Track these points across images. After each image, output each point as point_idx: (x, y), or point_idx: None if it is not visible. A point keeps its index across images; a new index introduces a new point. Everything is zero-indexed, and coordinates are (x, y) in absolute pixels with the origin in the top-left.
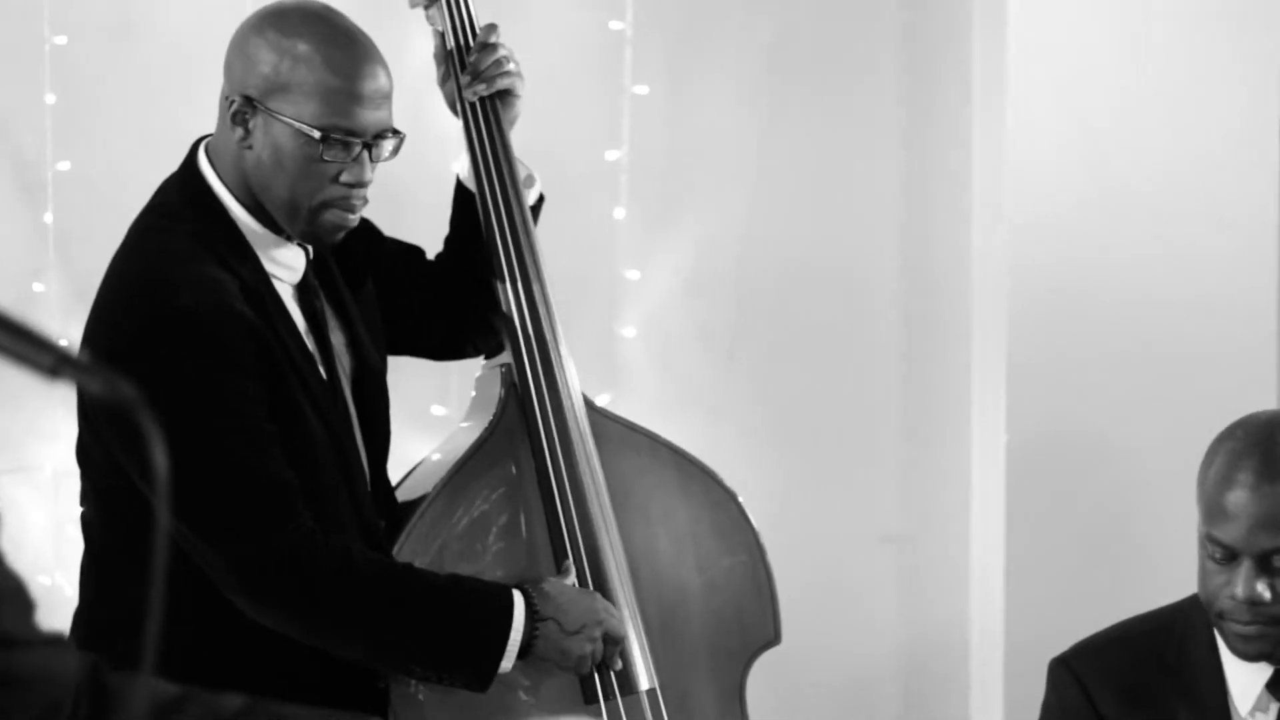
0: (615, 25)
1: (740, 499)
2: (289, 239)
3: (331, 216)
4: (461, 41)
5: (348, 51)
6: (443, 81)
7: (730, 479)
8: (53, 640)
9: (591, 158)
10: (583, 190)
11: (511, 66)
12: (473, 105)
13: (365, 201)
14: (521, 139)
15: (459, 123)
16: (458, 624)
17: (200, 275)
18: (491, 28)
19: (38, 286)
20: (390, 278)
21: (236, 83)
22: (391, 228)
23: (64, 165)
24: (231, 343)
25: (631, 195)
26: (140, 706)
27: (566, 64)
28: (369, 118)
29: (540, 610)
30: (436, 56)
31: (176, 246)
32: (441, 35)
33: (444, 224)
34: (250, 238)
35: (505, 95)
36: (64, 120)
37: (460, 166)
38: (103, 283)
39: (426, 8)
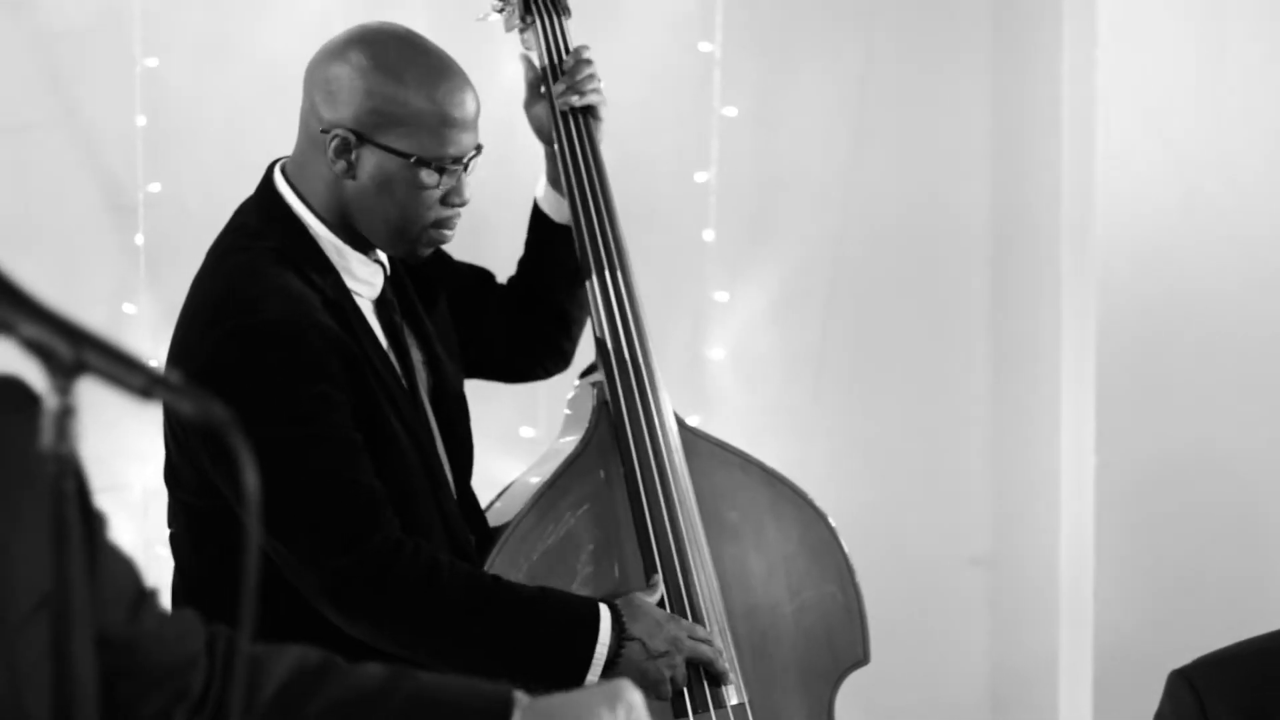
0: (704, 47)
1: (831, 520)
2: (368, 255)
3: (435, 235)
4: (555, 60)
5: (446, 81)
6: (529, 105)
7: (818, 500)
8: (173, 623)
9: (680, 179)
10: (672, 212)
11: (600, 84)
12: (565, 115)
13: (460, 217)
14: (610, 160)
15: (545, 147)
16: (544, 636)
17: (282, 288)
18: (584, 47)
19: (128, 308)
20: (461, 300)
21: (334, 115)
22: (475, 250)
23: (155, 187)
24: (316, 352)
25: (720, 217)
26: (280, 676)
27: (656, 86)
28: (467, 140)
29: (629, 628)
30: (528, 80)
31: (258, 263)
32: (532, 60)
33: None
34: (330, 254)
35: (593, 113)
36: (155, 142)
37: (539, 190)
38: (186, 302)
39: (522, 31)
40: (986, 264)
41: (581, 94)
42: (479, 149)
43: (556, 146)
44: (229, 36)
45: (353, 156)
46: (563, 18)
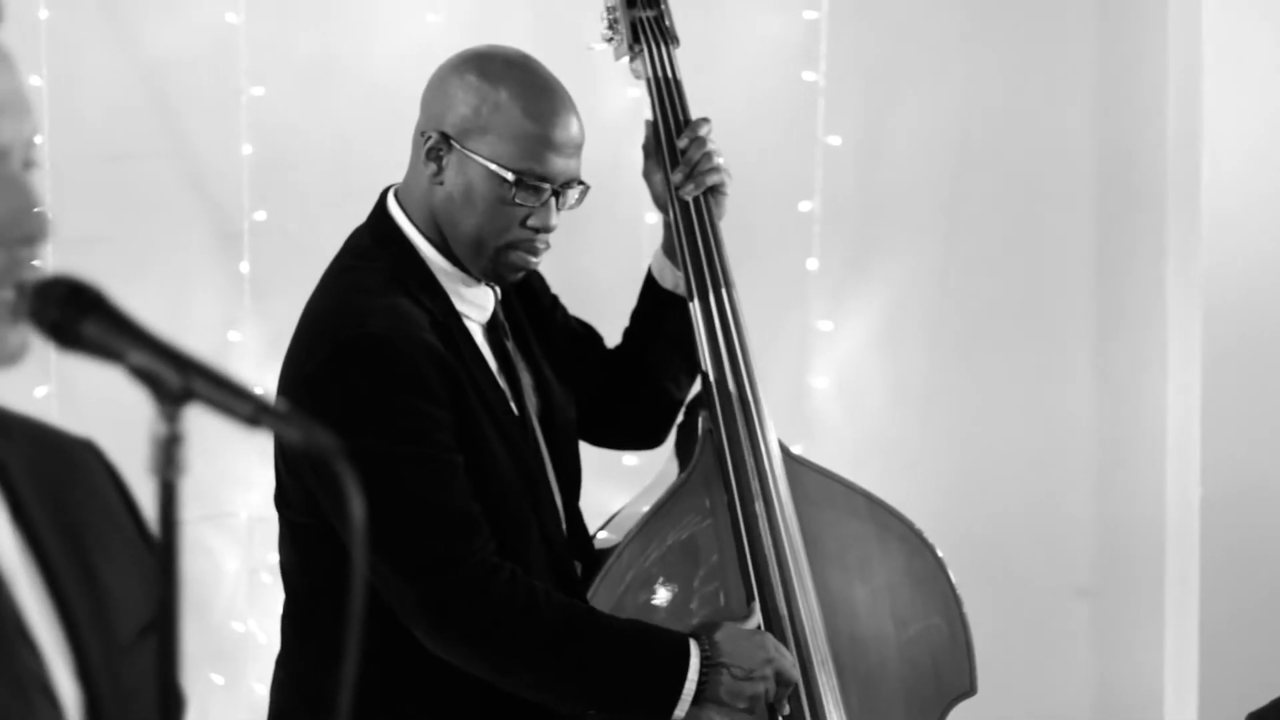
0: (808, 76)
1: (938, 550)
2: (479, 279)
3: (515, 258)
4: (671, 126)
5: (546, 99)
6: (648, 173)
7: (924, 530)
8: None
9: (784, 208)
10: (775, 241)
11: (720, 161)
12: (684, 204)
13: (548, 246)
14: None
15: (663, 215)
16: (634, 669)
17: (390, 306)
18: (703, 122)
19: (233, 335)
20: (567, 352)
21: (433, 119)
22: (568, 281)
23: (260, 215)
24: (420, 369)
25: (824, 246)
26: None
27: (759, 115)
28: (560, 165)
29: (711, 657)
30: (645, 148)
31: (368, 281)
32: (654, 126)
33: (627, 274)
34: (440, 276)
35: (715, 192)
36: (260, 170)
37: (654, 259)
38: (299, 319)
39: (631, 60)
40: (1092, 292)
41: (699, 183)
42: (580, 185)
43: (671, 224)
44: (333, 65)
45: (443, 161)
46: (671, 46)
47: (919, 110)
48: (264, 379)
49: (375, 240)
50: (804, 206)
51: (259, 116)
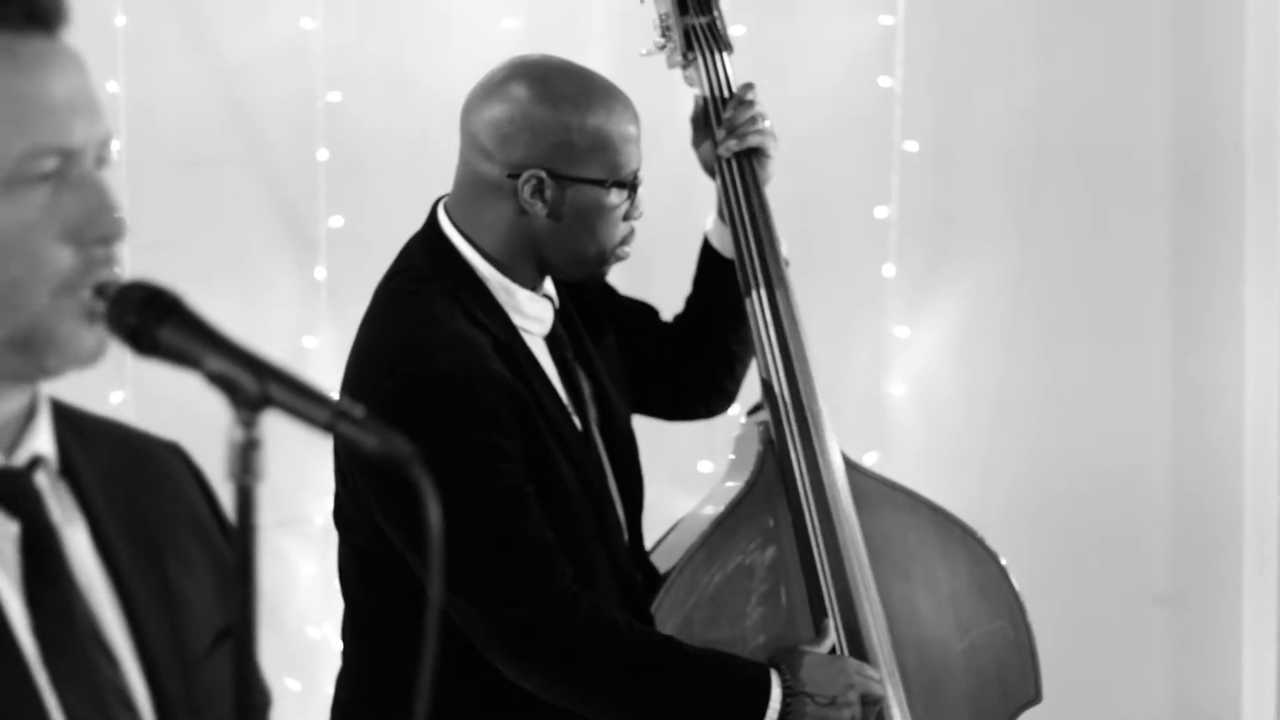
0: (884, 82)
1: (1001, 558)
2: (536, 291)
3: (620, 254)
4: (717, 97)
5: (610, 98)
6: (696, 143)
7: (999, 540)
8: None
9: (860, 214)
10: (851, 247)
11: (766, 125)
12: (728, 161)
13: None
14: (790, 195)
15: (715, 184)
16: (716, 700)
17: (455, 335)
18: (748, 86)
19: (309, 341)
20: (627, 335)
21: (518, 156)
22: (647, 285)
23: (336, 221)
24: (490, 403)
25: (900, 252)
26: None
27: (835, 121)
28: (637, 153)
29: (793, 687)
30: (694, 119)
31: (429, 308)
32: (700, 99)
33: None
34: (497, 294)
35: (759, 154)
36: (336, 176)
37: (708, 223)
38: (355, 348)
39: (684, 68)
40: (1168, 295)
41: (741, 138)
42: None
43: (719, 188)
44: (410, 70)
45: (547, 196)
46: (724, 54)
47: (995, 114)
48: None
49: (429, 260)
50: (880, 212)
51: (336, 122)
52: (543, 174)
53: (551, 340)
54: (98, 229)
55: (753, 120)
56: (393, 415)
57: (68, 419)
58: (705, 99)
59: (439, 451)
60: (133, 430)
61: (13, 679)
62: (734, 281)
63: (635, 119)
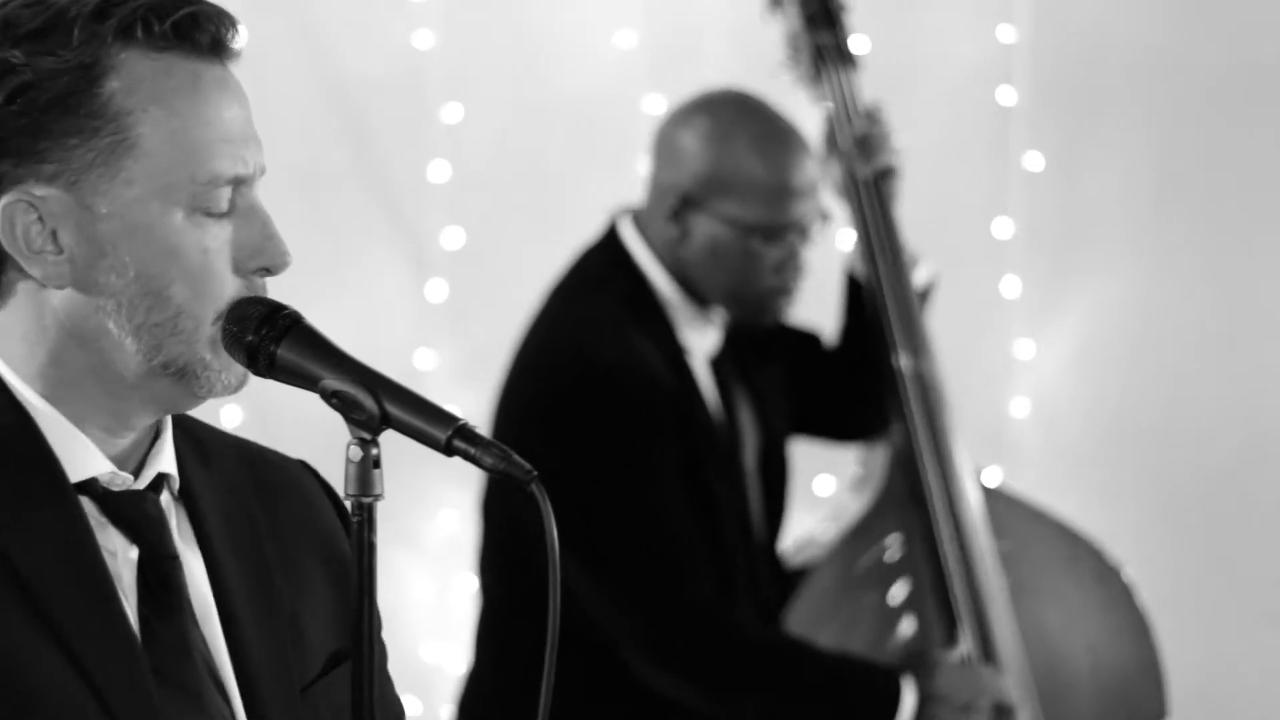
0: (1003, 97)
1: (1127, 573)
2: (706, 313)
3: (771, 305)
4: (846, 115)
5: (782, 145)
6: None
7: (1124, 558)
8: None
9: (979, 230)
10: (971, 264)
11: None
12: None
13: (799, 286)
14: (907, 210)
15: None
16: (848, 704)
17: (623, 339)
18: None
19: (426, 359)
20: (792, 363)
21: (671, 180)
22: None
23: (455, 238)
24: (652, 406)
25: (1022, 269)
26: None
27: (954, 136)
28: (803, 209)
29: (927, 692)
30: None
31: (600, 311)
32: (829, 122)
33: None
34: (669, 309)
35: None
36: (454, 192)
37: (847, 254)
38: (523, 345)
39: (812, 84)
40: None
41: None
42: (824, 218)
43: (851, 209)
44: (528, 85)
45: (688, 222)
46: (850, 70)
47: (1119, 130)
48: (457, 403)
49: (606, 266)
50: (1000, 229)
51: (453, 137)
52: (679, 198)
53: (715, 362)
54: (262, 259)
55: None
56: (554, 413)
57: (190, 435)
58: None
59: (598, 450)
60: (258, 447)
61: (143, 695)
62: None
63: (805, 173)
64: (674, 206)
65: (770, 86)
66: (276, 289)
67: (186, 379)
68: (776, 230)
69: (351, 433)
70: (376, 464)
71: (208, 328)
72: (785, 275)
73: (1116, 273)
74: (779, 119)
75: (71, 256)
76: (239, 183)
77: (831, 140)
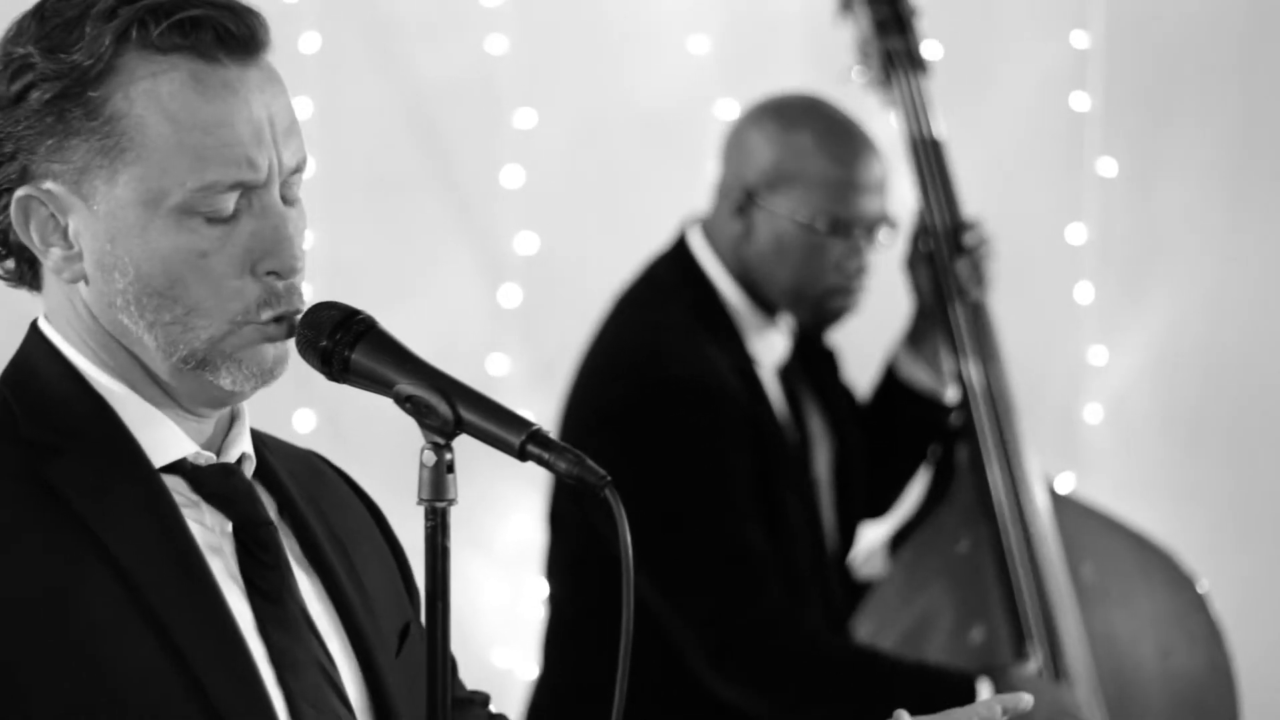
0: (1078, 103)
1: (1201, 583)
2: (775, 322)
3: (834, 303)
4: (916, 127)
5: (846, 141)
6: (913, 262)
7: (1197, 567)
8: None
9: (1052, 236)
10: (1045, 270)
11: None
12: (969, 301)
13: (864, 287)
14: (981, 216)
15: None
16: (925, 706)
17: (691, 347)
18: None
19: (499, 365)
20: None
21: (736, 176)
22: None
23: (529, 243)
24: (724, 415)
25: (1095, 275)
26: None
27: (1028, 143)
28: (867, 206)
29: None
30: (912, 234)
31: (668, 319)
32: (920, 234)
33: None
34: (737, 319)
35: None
36: (529, 198)
37: (898, 350)
38: (591, 351)
39: (882, 88)
40: None
41: (985, 287)
42: (889, 223)
43: (950, 317)
44: (602, 90)
45: (749, 218)
46: (921, 76)
47: (1193, 135)
48: (530, 408)
49: (674, 276)
50: (1074, 235)
51: (527, 143)
52: (742, 194)
53: (784, 372)
54: (271, 262)
55: (991, 258)
56: (626, 416)
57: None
58: (924, 233)
59: (668, 457)
60: (284, 441)
61: (239, 668)
62: (916, 410)
63: (870, 170)
64: (738, 202)
65: (842, 91)
66: (349, 294)
67: (209, 371)
68: (839, 225)
69: (425, 438)
70: (450, 469)
71: (223, 324)
72: (848, 273)
73: (1190, 278)
74: (846, 118)
75: (80, 252)
76: (246, 187)
77: (923, 235)
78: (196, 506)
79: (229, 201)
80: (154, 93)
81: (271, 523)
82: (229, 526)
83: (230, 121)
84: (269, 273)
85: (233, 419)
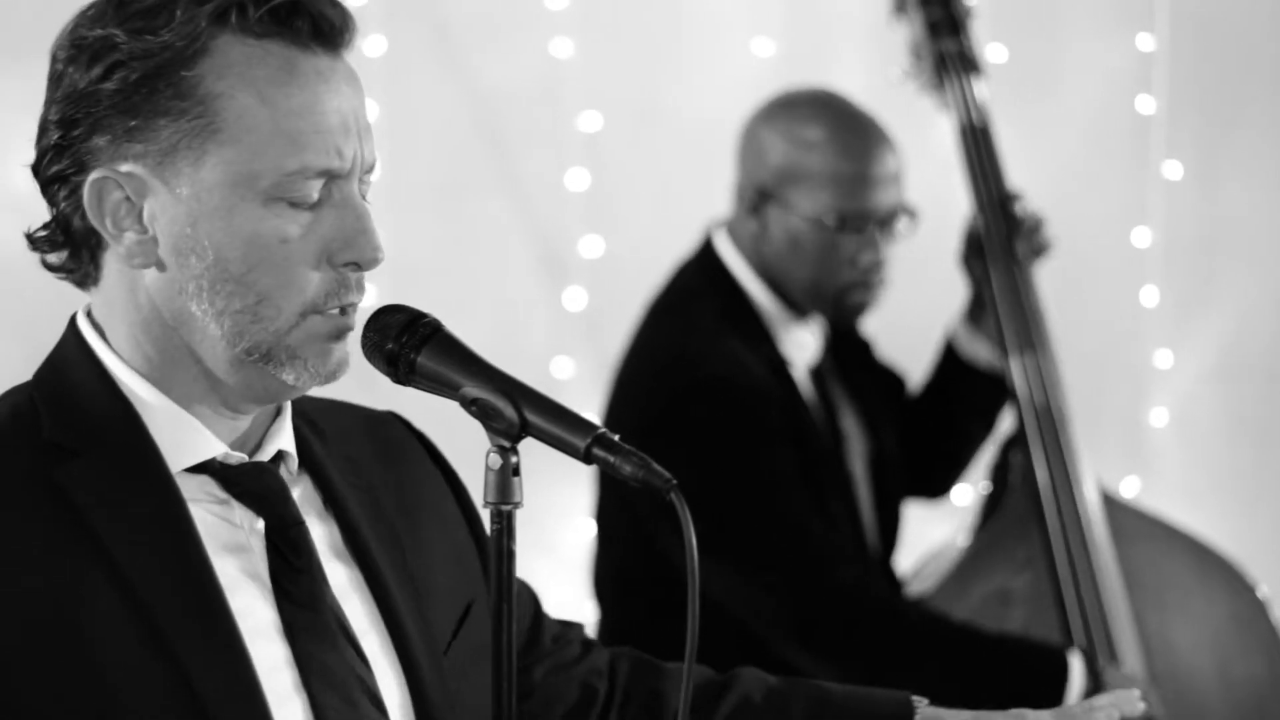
0: (1143, 105)
1: (1263, 589)
2: (805, 321)
3: (853, 299)
4: (968, 123)
5: (857, 135)
6: (968, 258)
7: (1263, 571)
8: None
9: (1118, 240)
10: (1110, 273)
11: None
12: (1021, 271)
13: (883, 281)
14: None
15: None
16: (1012, 676)
17: (724, 347)
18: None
19: (563, 368)
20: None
21: (749, 175)
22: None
23: (592, 246)
24: (761, 408)
25: (1161, 278)
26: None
27: (1093, 146)
28: (881, 199)
29: (1101, 676)
30: (969, 234)
31: (700, 322)
32: (976, 217)
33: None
34: (767, 319)
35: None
36: (593, 202)
37: (956, 327)
38: (626, 360)
39: (935, 90)
40: None
41: (1040, 251)
42: (908, 214)
43: (997, 293)
44: (665, 97)
45: (763, 216)
46: (974, 76)
47: (1260, 138)
48: (594, 411)
49: (702, 280)
50: (1139, 238)
51: (591, 148)
52: (756, 192)
53: (816, 371)
54: (352, 253)
55: (1043, 225)
56: (667, 420)
57: (301, 413)
58: (977, 226)
59: (720, 455)
60: (360, 408)
61: (239, 674)
62: (978, 386)
63: (882, 163)
64: (753, 201)
65: (896, 94)
66: (415, 297)
67: (273, 366)
68: (851, 218)
69: (491, 440)
70: (516, 471)
71: (291, 317)
72: (864, 268)
73: (1256, 281)
74: (857, 111)
75: (154, 235)
76: (332, 175)
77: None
78: (226, 504)
79: (315, 189)
80: (249, 76)
81: (303, 523)
82: (260, 525)
83: (322, 109)
84: (348, 264)
85: (277, 412)
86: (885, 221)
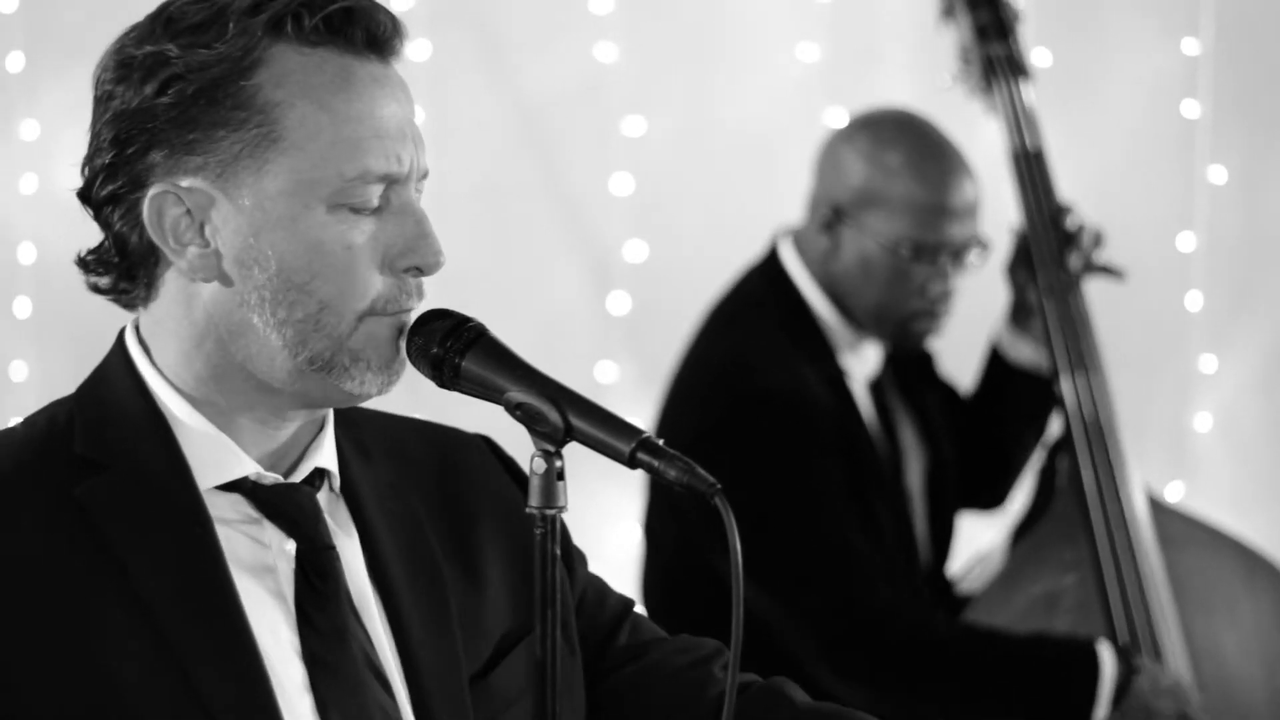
0: (1188, 110)
1: None
2: (866, 335)
3: (918, 326)
4: (1016, 127)
5: (939, 164)
6: (1013, 268)
7: None
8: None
9: (1163, 244)
10: (1155, 278)
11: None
12: (1074, 287)
13: (949, 311)
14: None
15: (1014, 293)
16: (1045, 679)
17: (783, 362)
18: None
19: (606, 372)
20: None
21: (827, 191)
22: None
23: (638, 251)
24: (814, 422)
25: (1206, 282)
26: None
27: (1137, 150)
28: (957, 231)
29: (1135, 664)
30: (1017, 243)
31: (758, 333)
32: (1019, 235)
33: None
34: (828, 332)
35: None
36: (637, 206)
37: (1000, 331)
38: (683, 365)
39: (983, 93)
40: None
41: (1093, 266)
42: (979, 245)
43: (1052, 307)
44: (710, 97)
45: (839, 235)
46: (1022, 82)
47: None
48: (638, 416)
49: (765, 289)
50: (1184, 243)
51: (636, 152)
52: (830, 210)
53: (876, 386)
54: (414, 258)
55: (1097, 240)
56: (722, 429)
57: (349, 428)
58: (1027, 236)
59: (769, 468)
60: (441, 428)
61: (256, 697)
62: (1026, 391)
63: (961, 194)
64: (826, 218)
65: (944, 98)
66: (459, 301)
67: (334, 375)
68: (925, 249)
69: (535, 445)
70: (560, 476)
71: (351, 323)
72: (932, 297)
73: None
74: (942, 140)
75: (217, 249)
76: (391, 181)
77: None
78: (258, 524)
79: (376, 194)
80: (307, 84)
81: (333, 547)
82: (290, 546)
83: (380, 115)
84: (409, 269)
85: (320, 428)
86: (958, 253)
